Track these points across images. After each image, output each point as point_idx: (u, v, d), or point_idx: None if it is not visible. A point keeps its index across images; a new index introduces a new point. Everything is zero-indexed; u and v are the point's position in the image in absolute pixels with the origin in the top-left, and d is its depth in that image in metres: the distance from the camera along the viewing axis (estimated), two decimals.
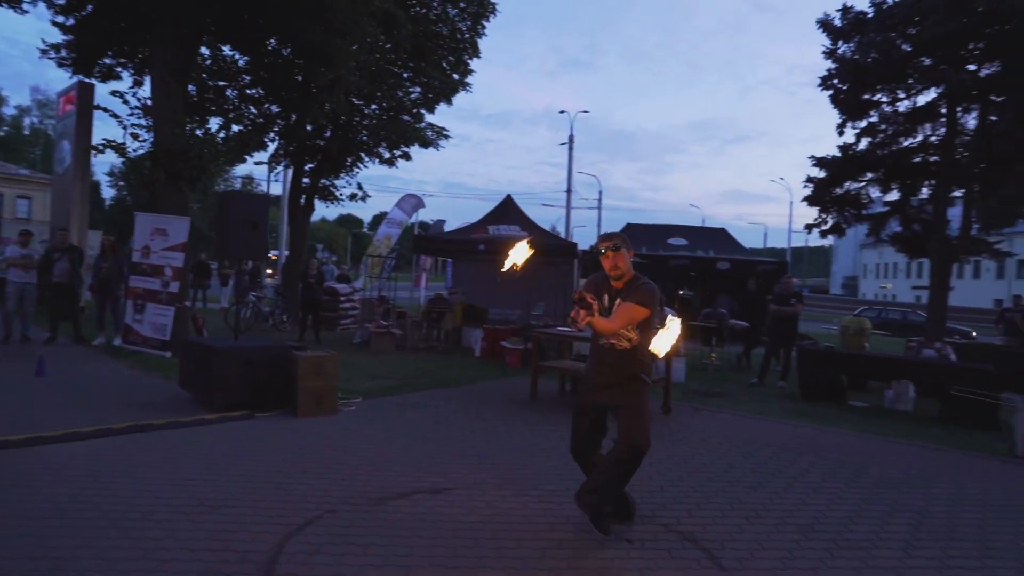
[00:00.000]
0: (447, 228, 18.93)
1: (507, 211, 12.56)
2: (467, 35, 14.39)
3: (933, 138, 14.25)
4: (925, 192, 14.85)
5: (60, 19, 11.68)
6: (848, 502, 4.44)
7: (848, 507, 4.33)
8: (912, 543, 3.79)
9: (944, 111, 13.97)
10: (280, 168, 19.58)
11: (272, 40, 12.83)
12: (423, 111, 15.63)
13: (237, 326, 6.94)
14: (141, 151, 9.24)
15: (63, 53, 11.71)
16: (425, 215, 38.75)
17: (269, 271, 20.04)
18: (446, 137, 15.89)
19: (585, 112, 56.75)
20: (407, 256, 22.19)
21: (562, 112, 37.58)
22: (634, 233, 22.10)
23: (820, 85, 14.62)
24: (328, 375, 6.37)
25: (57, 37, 11.68)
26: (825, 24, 14.36)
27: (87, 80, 12.45)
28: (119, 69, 12.45)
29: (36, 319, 10.19)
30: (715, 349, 11.66)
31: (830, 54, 14.39)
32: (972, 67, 13.43)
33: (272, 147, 15.44)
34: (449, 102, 15.12)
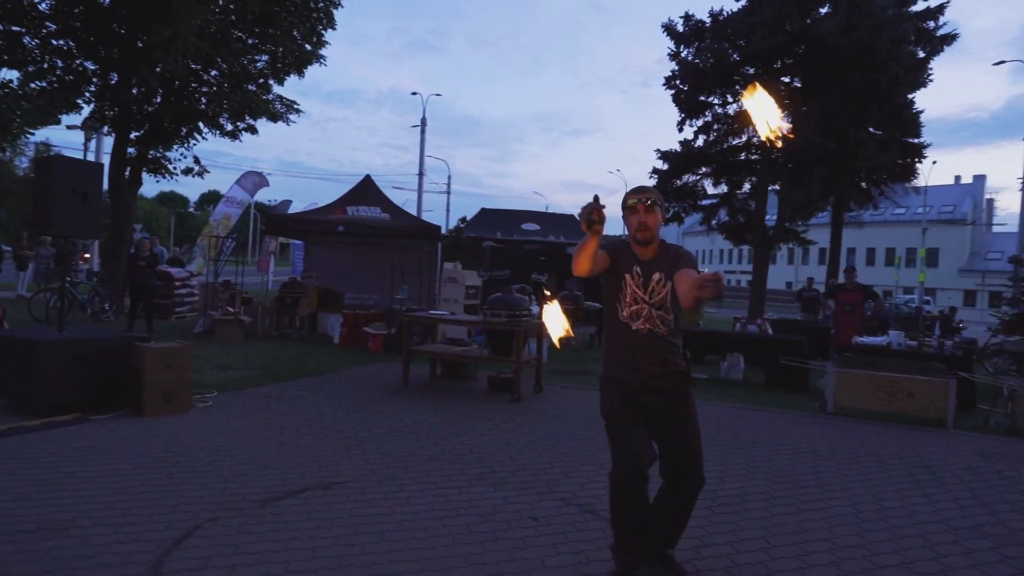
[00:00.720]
0: (293, 210, 17.78)
1: (367, 192, 12.06)
2: (320, 3, 13.48)
3: (755, 139, 15.97)
4: (747, 187, 16.64)
5: None
6: (712, 464, 4.81)
7: (714, 469, 4.69)
8: (772, 494, 4.20)
9: None
10: (95, 136, 17.16)
11: None
12: (271, 81, 14.44)
13: (62, 315, 5.93)
14: None
15: None
16: (265, 197, 36.18)
17: (87, 255, 17.47)
18: (297, 112, 14.83)
19: (438, 95, 56.14)
20: (243, 239, 20.56)
21: (414, 94, 36.92)
22: (489, 218, 22.41)
23: (664, 84, 15.76)
24: (180, 368, 5.68)
25: None
26: (669, 29, 15.44)
27: None
28: None
29: None
30: (572, 329, 12.18)
31: (674, 56, 15.51)
32: (786, 79, 15.23)
33: (87, 111, 13.42)
34: (300, 74, 14.10)
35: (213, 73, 13.70)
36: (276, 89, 14.57)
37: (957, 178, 57.90)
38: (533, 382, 7.44)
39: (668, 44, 15.38)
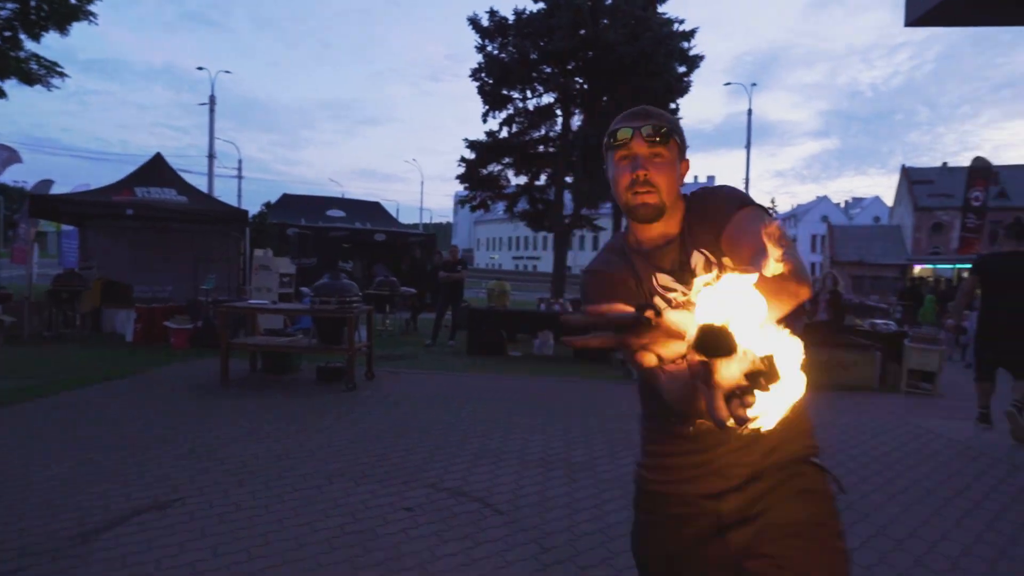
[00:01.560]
0: (57, 191, 14.81)
1: (158, 171, 10.40)
2: None
3: (552, 133, 16.83)
4: (543, 178, 17.51)
5: None
6: (557, 433, 4.99)
7: (559, 438, 4.86)
8: (612, 456, 4.46)
9: (559, 112, 16.62)
10: None
11: None
12: (23, 36, 11.70)
13: None
14: None
15: None
16: (14, 174, 29.92)
17: None
18: (61, 75, 12.23)
19: (227, 72, 49.64)
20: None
21: (200, 68, 32.10)
22: (292, 204, 20.82)
23: (471, 76, 15.85)
24: None
25: None
26: (474, 22, 15.54)
27: None
28: None
29: None
30: (388, 315, 11.88)
31: (480, 49, 15.66)
32: (578, 79, 16.23)
33: None
34: (63, 30, 11.62)
35: None
36: (31, 47, 11.86)
37: (695, 178, 67.38)
38: (365, 370, 7.07)
39: (459, 40, 15.59)
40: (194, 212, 9.77)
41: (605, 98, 15.25)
